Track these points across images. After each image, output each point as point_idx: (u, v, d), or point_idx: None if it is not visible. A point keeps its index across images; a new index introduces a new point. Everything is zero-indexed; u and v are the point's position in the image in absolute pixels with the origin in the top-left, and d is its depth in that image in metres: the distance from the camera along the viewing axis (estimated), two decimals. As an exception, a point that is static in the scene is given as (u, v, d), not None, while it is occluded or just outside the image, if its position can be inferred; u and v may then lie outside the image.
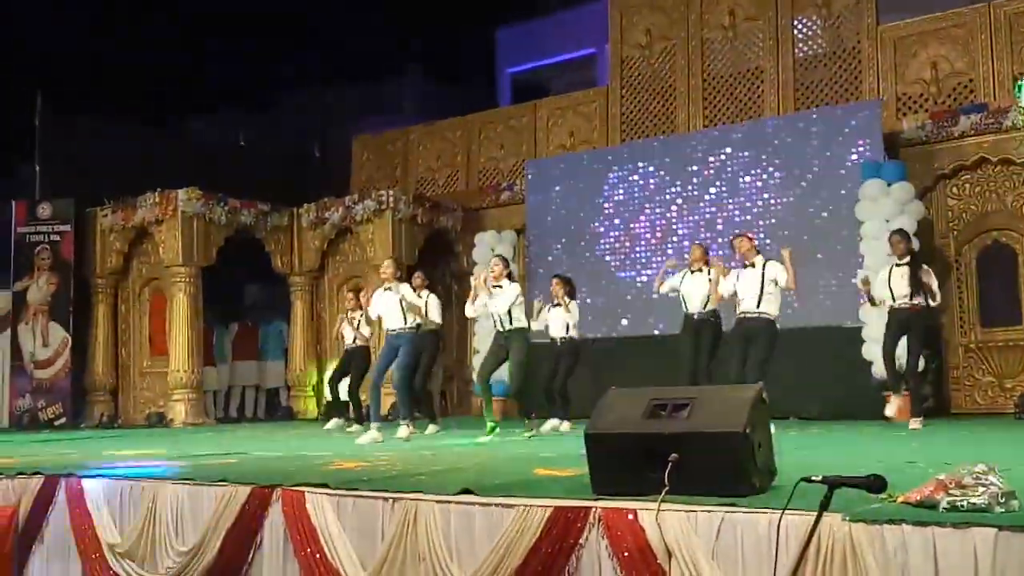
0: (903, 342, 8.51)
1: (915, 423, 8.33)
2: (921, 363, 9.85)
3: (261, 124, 17.50)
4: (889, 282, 8.45)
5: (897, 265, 8.52)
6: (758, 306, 8.23)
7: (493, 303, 8.71)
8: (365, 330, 10.49)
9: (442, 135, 15.39)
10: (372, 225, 13.50)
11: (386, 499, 4.18)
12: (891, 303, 8.48)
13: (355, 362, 10.44)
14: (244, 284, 15.66)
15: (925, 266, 8.55)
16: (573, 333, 9.69)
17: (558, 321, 9.62)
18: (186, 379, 12.97)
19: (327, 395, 10.99)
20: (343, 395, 10.44)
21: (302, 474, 5.02)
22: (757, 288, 8.23)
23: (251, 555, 4.58)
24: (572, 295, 9.79)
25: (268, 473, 5.23)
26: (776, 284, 8.24)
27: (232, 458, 6.52)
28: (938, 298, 8.54)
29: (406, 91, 19.29)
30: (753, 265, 8.35)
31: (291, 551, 4.42)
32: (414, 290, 9.24)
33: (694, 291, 8.90)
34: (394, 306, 8.79)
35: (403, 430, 8.53)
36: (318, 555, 4.29)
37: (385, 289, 8.87)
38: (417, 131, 15.72)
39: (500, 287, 8.72)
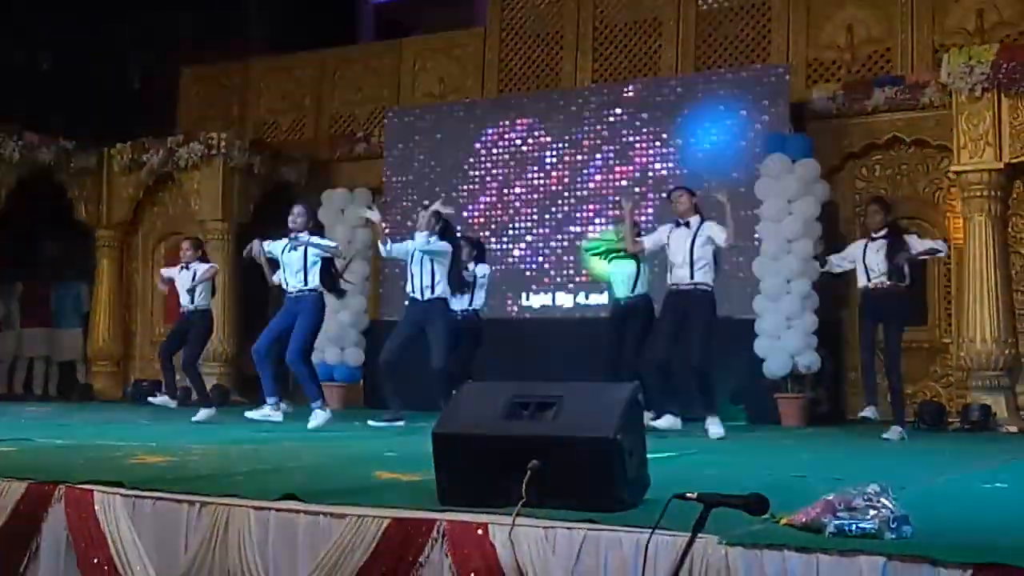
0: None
1: (893, 433, 8.16)
2: (817, 362, 10.24)
3: (70, 44, 16.73)
4: (864, 259, 8.24)
5: (872, 239, 8.31)
6: (692, 276, 8.08)
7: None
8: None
9: (289, 72, 15.05)
10: (199, 173, 13.13)
11: (192, 503, 4.04)
12: (864, 283, 8.33)
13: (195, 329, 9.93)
14: (38, 236, 15.00)
15: (910, 235, 8.38)
16: (477, 306, 9.63)
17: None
18: (-40, 346, 12.39)
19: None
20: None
21: (92, 469, 4.82)
22: (688, 252, 8.06)
23: (23, 565, 4.38)
24: (481, 259, 9.75)
25: (51, 466, 5.01)
26: (712, 244, 8.02)
27: (9, 445, 6.24)
28: (942, 248, 8.35)
29: (249, 16, 18.75)
30: (688, 225, 8.18)
31: (74, 561, 4.25)
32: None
33: (620, 271, 8.96)
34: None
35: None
36: (107, 566, 4.14)
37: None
38: (259, 65, 15.33)
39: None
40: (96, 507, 4.22)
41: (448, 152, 12.83)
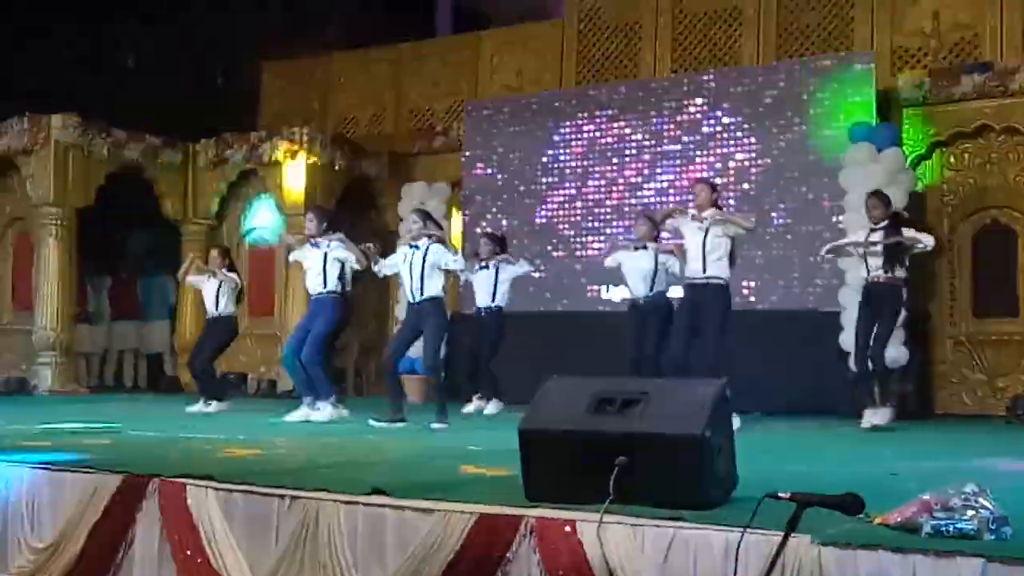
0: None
1: (877, 416, 8.16)
2: (904, 356, 10.04)
3: (156, 41, 17.03)
4: (865, 253, 8.34)
5: (873, 230, 8.38)
6: (705, 269, 8.06)
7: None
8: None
9: (368, 67, 15.16)
10: (281, 168, 13.28)
11: (282, 497, 4.10)
12: (863, 274, 8.40)
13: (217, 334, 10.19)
14: (127, 231, 15.32)
15: (908, 228, 8.39)
16: (501, 302, 9.67)
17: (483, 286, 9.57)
18: (54, 339, 12.69)
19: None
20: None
21: (185, 462, 4.92)
22: (701, 245, 8.03)
23: (120, 556, 4.48)
24: (502, 253, 9.78)
25: (144, 459, 5.12)
26: (724, 235, 8.01)
27: (103, 438, 6.38)
28: (928, 241, 8.32)
29: (329, 12, 18.93)
30: (703, 220, 8.14)
31: (168, 552, 4.34)
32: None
33: (636, 269, 8.89)
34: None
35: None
36: (199, 559, 4.22)
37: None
38: (340, 60, 15.47)
39: (416, 247, 8.30)
40: (189, 500, 4.30)
41: (526, 144, 12.82)
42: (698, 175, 11.64)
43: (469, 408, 9.42)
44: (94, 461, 4.88)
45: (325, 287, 8.76)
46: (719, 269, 8.07)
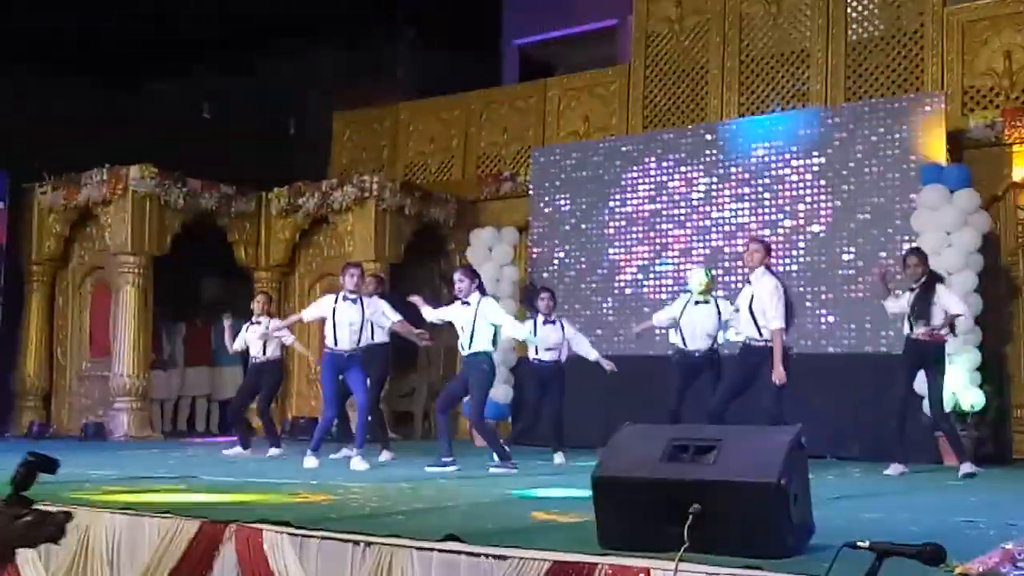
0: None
1: (967, 467, 8.23)
2: (981, 399, 9.85)
3: (229, 92, 17.40)
4: (909, 309, 8.51)
5: (912, 289, 8.56)
6: (760, 333, 8.25)
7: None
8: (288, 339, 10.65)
9: (437, 114, 15.35)
10: (352, 215, 13.46)
11: (356, 543, 4.14)
12: (907, 331, 8.56)
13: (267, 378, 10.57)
14: (201, 278, 15.58)
15: (941, 285, 8.54)
16: (563, 355, 9.71)
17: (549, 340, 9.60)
18: (131, 385, 12.91)
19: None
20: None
21: (260, 508, 4.97)
22: (748, 309, 8.29)
23: (198, 600, 4.53)
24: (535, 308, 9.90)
25: (221, 504, 5.18)
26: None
27: (180, 483, 6.48)
28: (960, 317, 8.49)
29: (398, 62, 19.23)
30: (749, 282, 8.41)
31: (245, 597, 4.38)
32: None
33: (698, 324, 8.86)
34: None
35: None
36: (276, 604, 4.25)
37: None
38: (408, 108, 15.69)
39: (468, 303, 8.55)
40: (265, 546, 4.36)
41: (593, 190, 12.85)
42: (766, 218, 11.60)
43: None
44: (172, 506, 4.96)
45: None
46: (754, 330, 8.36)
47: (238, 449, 10.20)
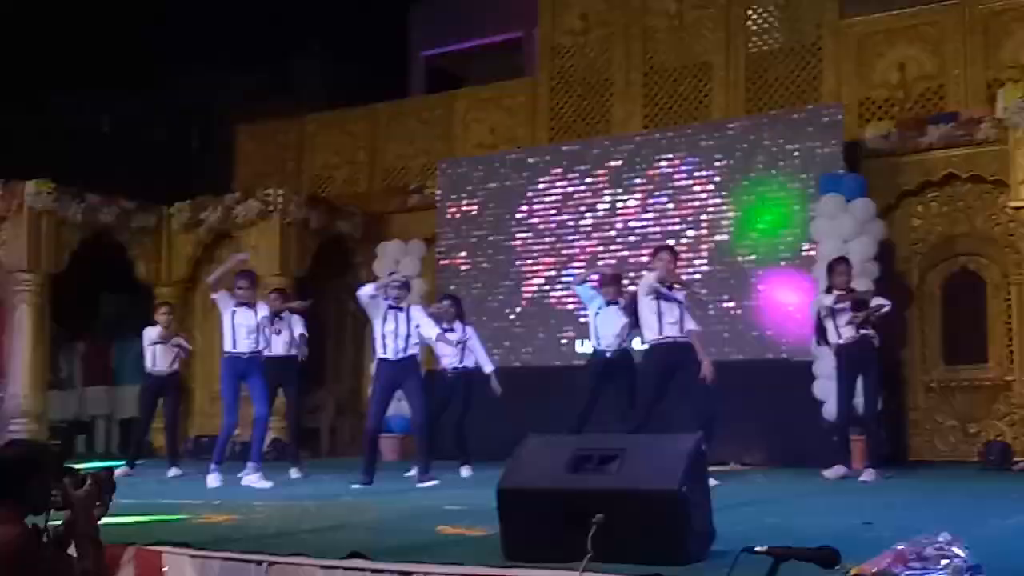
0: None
1: (867, 474, 8.49)
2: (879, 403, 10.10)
3: (130, 106, 17.11)
4: (834, 317, 8.78)
5: (841, 296, 8.83)
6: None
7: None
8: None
9: (342, 127, 15.25)
10: (256, 229, 13.27)
11: (259, 562, 4.08)
12: (835, 339, 8.81)
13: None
14: (98, 295, 15.27)
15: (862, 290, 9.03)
16: (468, 363, 9.71)
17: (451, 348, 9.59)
18: (28, 406, 12.57)
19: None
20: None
21: (160, 529, 4.88)
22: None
23: (95, 626, 4.42)
24: (462, 317, 9.84)
25: (119, 527, 5.06)
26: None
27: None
28: (887, 303, 8.85)
29: (303, 74, 19.08)
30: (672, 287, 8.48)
31: (145, 621, 4.30)
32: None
33: (610, 324, 8.93)
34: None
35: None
36: (176, 627, 4.18)
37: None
38: (313, 121, 15.55)
39: (401, 309, 8.65)
40: (165, 568, 4.27)
41: (501, 201, 12.89)
42: (670, 229, 11.75)
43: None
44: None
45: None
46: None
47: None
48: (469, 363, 9.72)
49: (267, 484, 8.27)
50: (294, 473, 9.37)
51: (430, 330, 8.67)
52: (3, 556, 3.00)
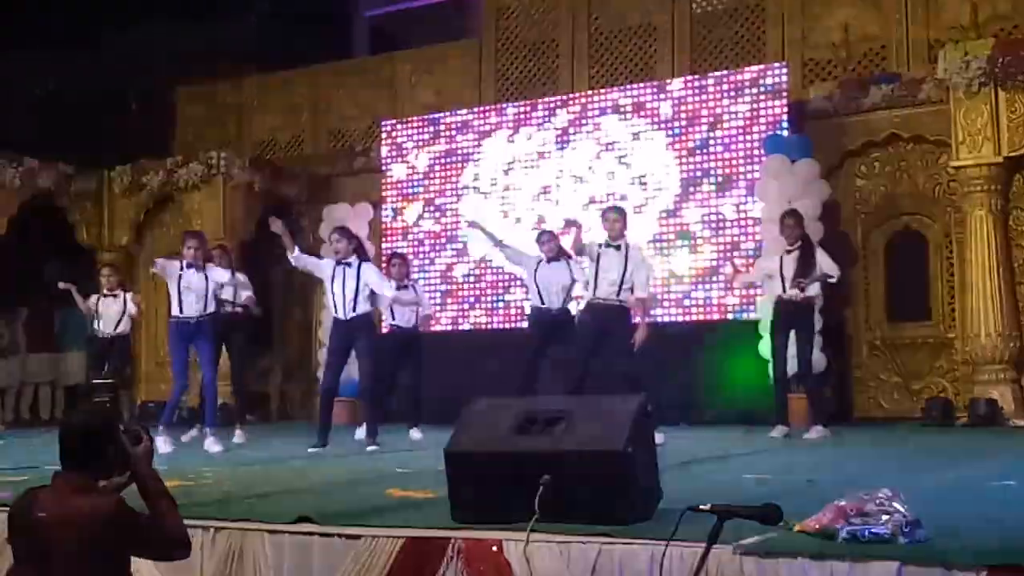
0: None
1: (813, 432, 8.58)
2: (822, 361, 10.25)
3: (67, 69, 16.75)
4: (781, 270, 8.78)
5: (788, 251, 8.86)
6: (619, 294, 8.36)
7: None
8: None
9: (286, 88, 15.08)
10: (199, 193, 13.15)
11: (206, 528, 4.07)
12: (779, 293, 8.82)
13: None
14: (41, 260, 15.00)
15: (819, 247, 8.98)
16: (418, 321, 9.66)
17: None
18: (-32, 375, 12.40)
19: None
20: None
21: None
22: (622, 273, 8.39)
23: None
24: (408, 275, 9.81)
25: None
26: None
27: (22, 474, 6.26)
28: (836, 274, 8.85)
29: (243, 34, 18.76)
30: (616, 248, 8.48)
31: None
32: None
33: (552, 280, 8.91)
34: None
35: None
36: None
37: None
38: (255, 82, 15.36)
39: (349, 264, 8.34)
40: (110, 535, 4.23)
41: (447, 162, 12.85)
42: (616, 190, 11.78)
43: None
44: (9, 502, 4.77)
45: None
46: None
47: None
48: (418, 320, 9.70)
49: (219, 448, 8.25)
50: (237, 438, 9.30)
51: (385, 288, 8.46)
52: (104, 525, 3.02)
